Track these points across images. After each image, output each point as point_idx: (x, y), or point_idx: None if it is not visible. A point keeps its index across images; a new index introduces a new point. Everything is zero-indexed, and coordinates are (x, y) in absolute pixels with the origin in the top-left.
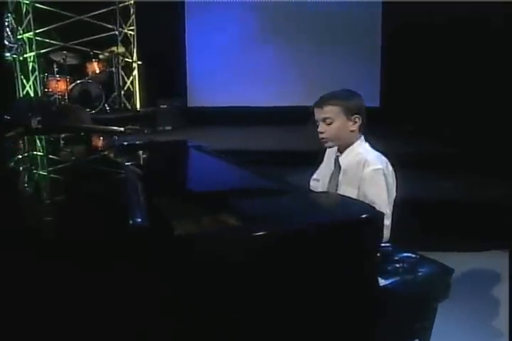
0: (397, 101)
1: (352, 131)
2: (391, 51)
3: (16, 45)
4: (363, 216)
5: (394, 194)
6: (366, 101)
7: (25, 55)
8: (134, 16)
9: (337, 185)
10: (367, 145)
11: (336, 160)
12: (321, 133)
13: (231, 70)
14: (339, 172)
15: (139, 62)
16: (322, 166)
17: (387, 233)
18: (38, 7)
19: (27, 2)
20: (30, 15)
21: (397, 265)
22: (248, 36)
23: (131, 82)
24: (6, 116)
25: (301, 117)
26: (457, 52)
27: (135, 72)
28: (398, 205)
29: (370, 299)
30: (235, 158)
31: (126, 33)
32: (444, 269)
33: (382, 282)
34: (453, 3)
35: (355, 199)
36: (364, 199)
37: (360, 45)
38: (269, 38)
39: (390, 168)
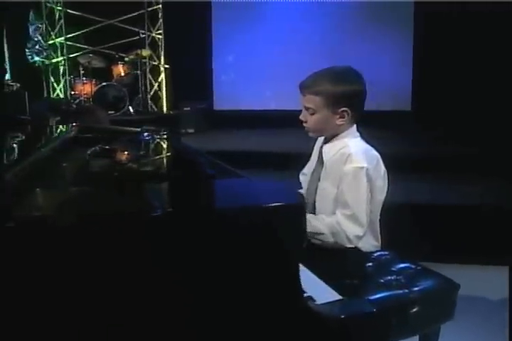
0: (430, 104)
1: (337, 125)
2: (423, 52)
3: (45, 49)
4: (271, 205)
5: (380, 199)
6: (397, 104)
7: (55, 60)
8: (161, 20)
9: (318, 180)
10: (357, 137)
11: (320, 152)
12: (303, 121)
13: (257, 73)
14: (322, 166)
15: (166, 66)
16: (311, 158)
17: (361, 243)
18: (69, 12)
19: (59, 8)
20: (62, 21)
21: (391, 277)
22: (275, 38)
23: (158, 85)
24: (21, 117)
25: None
26: (494, 52)
27: (162, 76)
28: (417, 210)
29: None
30: (253, 159)
31: (153, 37)
32: (448, 284)
33: (365, 297)
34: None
35: (290, 187)
36: (340, 198)
37: (391, 46)
38: (296, 41)
39: (382, 167)
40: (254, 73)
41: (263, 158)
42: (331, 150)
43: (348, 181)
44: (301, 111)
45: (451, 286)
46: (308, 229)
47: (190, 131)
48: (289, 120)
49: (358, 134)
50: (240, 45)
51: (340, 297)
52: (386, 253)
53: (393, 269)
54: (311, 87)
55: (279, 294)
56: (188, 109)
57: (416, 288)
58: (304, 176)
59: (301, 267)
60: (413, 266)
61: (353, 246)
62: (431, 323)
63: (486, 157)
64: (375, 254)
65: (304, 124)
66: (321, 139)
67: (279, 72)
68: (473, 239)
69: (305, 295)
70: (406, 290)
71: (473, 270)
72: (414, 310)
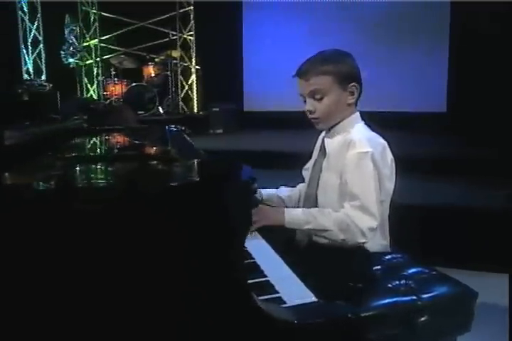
0: (466, 107)
1: (349, 105)
2: (459, 53)
3: (79, 51)
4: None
5: (389, 189)
6: (432, 107)
7: (89, 61)
8: (193, 22)
9: (320, 172)
10: (361, 123)
11: (323, 143)
12: (311, 112)
13: (287, 75)
14: (324, 157)
15: (197, 67)
16: (313, 153)
17: (373, 238)
18: (103, 15)
19: (94, 12)
20: (97, 24)
21: (400, 281)
22: (307, 40)
23: (189, 86)
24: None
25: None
26: None
27: (193, 77)
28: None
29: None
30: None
31: (185, 38)
32: (464, 292)
33: (365, 302)
34: None
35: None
36: (345, 190)
37: (426, 48)
38: (328, 42)
39: (389, 155)
40: (283, 74)
41: (291, 159)
42: (334, 140)
43: (352, 168)
44: None
45: (468, 294)
46: (313, 225)
47: (219, 131)
48: None
49: (361, 120)
50: (270, 46)
51: (313, 299)
52: (399, 255)
53: (404, 273)
54: (316, 67)
55: (218, 288)
56: (217, 109)
57: (426, 295)
58: (306, 171)
59: (283, 266)
60: (427, 271)
61: (366, 240)
62: (443, 335)
63: None
64: (387, 257)
65: (312, 116)
66: (322, 134)
67: None
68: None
69: (275, 295)
70: (414, 297)
71: (495, 277)
72: (423, 319)
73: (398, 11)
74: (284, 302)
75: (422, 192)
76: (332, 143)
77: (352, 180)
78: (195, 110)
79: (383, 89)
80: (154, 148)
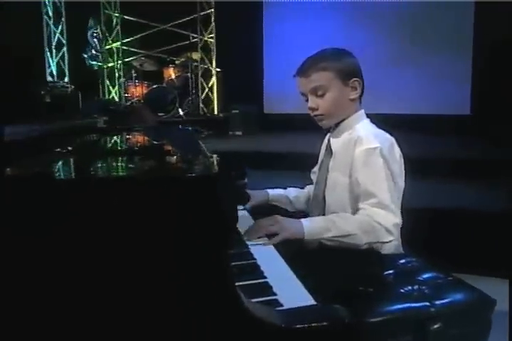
0: (490, 108)
1: (352, 101)
2: (483, 54)
3: (101, 54)
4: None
5: (400, 187)
6: (456, 109)
7: (111, 64)
8: (213, 24)
9: (327, 172)
10: (367, 120)
11: (329, 143)
12: (314, 109)
13: None
14: (330, 157)
15: (218, 69)
16: (320, 154)
17: (394, 235)
18: (125, 18)
19: (117, 15)
20: (119, 27)
21: (413, 287)
22: (328, 40)
23: (210, 88)
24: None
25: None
26: None
27: (213, 79)
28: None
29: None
30: (301, 162)
31: (206, 40)
32: (481, 299)
33: (374, 307)
34: None
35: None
36: (358, 190)
37: (449, 49)
38: (350, 44)
39: (397, 151)
40: None
41: (310, 161)
42: (339, 139)
43: (361, 166)
44: None
45: (485, 302)
46: (334, 232)
47: (238, 133)
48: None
49: (366, 118)
50: (291, 47)
51: (312, 302)
52: (413, 259)
53: (418, 278)
54: (316, 64)
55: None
56: (237, 111)
57: (440, 302)
58: (314, 174)
59: (285, 267)
60: (442, 276)
61: (393, 238)
62: None
63: None
64: (400, 261)
65: (316, 113)
66: (328, 135)
67: None
68: None
69: (272, 297)
70: (427, 303)
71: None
72: (436, 326)
73: (420, 12)
74: (281, 305)
75: (450, 195)
76: (337, 142)
77: (364, 178)
78: (216, 112)
79: (405, 90)
80: (152, 144)
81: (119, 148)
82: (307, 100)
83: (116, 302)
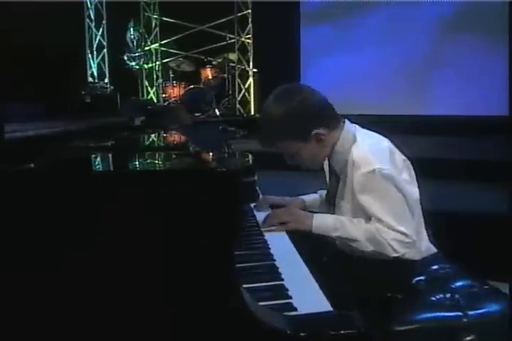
0: None
1: (324, 146)
2: None
3: (140, 55)
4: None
5: (412, 194)
6: (492, 109)
7: (149, 65)
8: (251, 25)
9: (335, 197)
10: (357, 132)
11: (330, 166)
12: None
13: (345, 77)
14: (338, 182)
15: (255, 70)
16: (325, 175)
17: (400, 253)
18: (163, 20)
19: (156, 17)
20: (158, 29)
21: (445, 295)
22: (363, 41)
23: (247, 89)
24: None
25: (411, 126)
26: None
27: (250, 80)
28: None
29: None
30: None
31: (243, 41)
32: None
33: (402, 315)
34: None
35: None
36: (365, 217)
37: (485, 48)
38: (388, 43)
39: (398, 157)
40: (342, 77)
41: None
42: (338, 162)
43: (362, 192)
44: (382, 116)
45: None
46: (341, 233)
47: None
48: (373, 125)
49: (353, 129)
50: (328, 47)
51: (328, 309)
52: (446, 266)
53: (451, 286)
54: (270, 139)
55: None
56: None
57: (474, 312)
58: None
59: (305, 271)
60: (477, 285)
61: (399, 255)
62: None
63: None
64: (433, 267)
65: (301, 165)
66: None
67: (368, 74)
68: None
69: (286, 301)
70: (459, 313)
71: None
72: (468, 338)
73: (456, 12)
74: (295, 309)
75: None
76: (338, 164)
77: (367, 203)
78: (252, 112)
79: (435, 92)
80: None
81: (146, 145)
82: None
83: (122, 299)
